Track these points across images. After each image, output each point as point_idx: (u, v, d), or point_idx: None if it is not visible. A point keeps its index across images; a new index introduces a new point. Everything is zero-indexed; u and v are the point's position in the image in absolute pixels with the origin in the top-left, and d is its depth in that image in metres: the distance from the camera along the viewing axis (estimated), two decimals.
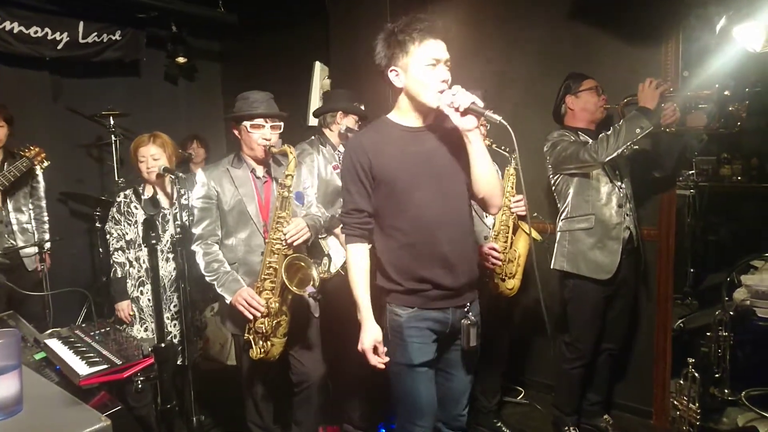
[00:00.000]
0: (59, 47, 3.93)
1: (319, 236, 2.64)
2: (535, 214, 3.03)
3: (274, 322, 2.25)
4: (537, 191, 3.18)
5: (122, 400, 2.20)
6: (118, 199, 2.80)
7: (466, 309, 1.89)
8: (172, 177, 2.39)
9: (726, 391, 3.08)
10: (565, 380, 2.82)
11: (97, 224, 3.88)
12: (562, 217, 2.75)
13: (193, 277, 2.30)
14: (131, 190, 2.81)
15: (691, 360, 2.60)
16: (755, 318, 3.28)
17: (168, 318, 2.69)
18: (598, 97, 2.70)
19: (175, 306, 2.71)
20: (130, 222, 2.74)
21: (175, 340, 2.67)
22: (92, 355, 1.76)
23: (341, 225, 1.94)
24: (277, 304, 2.25)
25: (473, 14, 3.37)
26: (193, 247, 2.35)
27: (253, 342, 2.28)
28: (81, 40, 4.02)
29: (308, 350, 2.52)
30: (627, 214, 2.65)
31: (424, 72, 1.73)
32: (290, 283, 2.19)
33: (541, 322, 1.86)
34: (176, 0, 4.22)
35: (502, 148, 2.67)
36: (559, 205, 2.78)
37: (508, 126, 1.64)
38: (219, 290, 2.31)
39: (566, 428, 2.83)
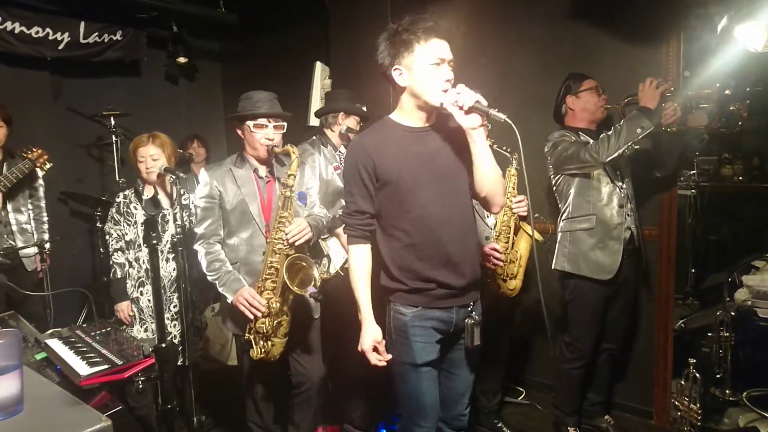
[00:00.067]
0: (60, 47, 3.94)
1: (321, 237, 2.64)
2: (537, 214, 3.03)
3: (274, 322, 2.25)
4: (538, 192, 3.18)
5: (123, 401, 2.20)
6: (118, 200, 2.79)
7: (469, 308, 1.90)
8: (173, 177, 2.39)
9: (727, 391, 3.08)
10: (566, 380, 2.81)
11: (98, 224, 3.88)
12: (563, 218, 2.75)
13: (192, 277, 2.30)
14: (131, 190, 2.81)
15: (692, 360, 2.60)
16: (756, 318, 3.27)
17: (168, 318, 2.69)
18: (599, 97, 2.70)
19: (175, 306, 2.71)
20: (129, 222, 2.74)
21: (175, 341, 2.67)
22: (93, 355, 1.76)
23: (343, 225, 1.94)
24: (278, 304, 2.24)
25: (473, 14, 3.37)
26: (195, 247, 2.36)
27: (253, 342, 2.28)
28: (82, 40, 4.03)
29: (308, 352, 2.52)
30: (628, 214, 2.65)
31: (428, 71, 1.73)
32: (291, 283, 2.19)
33: (542, 322, 1.86)
34: (176, 0, 4.22)
35: (504, 148, 2.66)
36: (560, 206, 2.78)
37: (512, 124, 1.63)
38: (220, 290, 2.31)
39: (567, 428, 2.83)
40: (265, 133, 2.34)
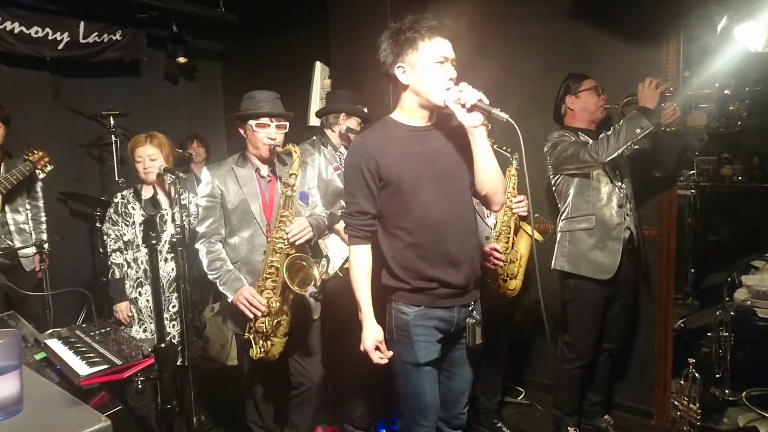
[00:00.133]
0: (60, 47, 3.93)
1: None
2: (537, 214, 3.03)
3: (274, 321, 2.25)
4: (538, 192, 3.18)
5: (122, 401, 2.20)
6: (115, 200, 2.79)
7: (470, 308, 1.90)
8: (172, 177, 2.39)
9: (727, 391, 3.08)
10: (566, 380, 2.82)
11: (98, 224, 3.87)
12: (562, 218, 2.75)
13: (192, 277, 2.30)
14: (129, 190, 2.80)
15: (691, 360, 2.60)
16: (756, 318, 3.27)
17: (167, 319, 2.68)
18: (598, 97, 2.70)
19: (173, 306, 2.70)
20: (127, 223, 2.74)
21: (174, 341, 2.67)
22: (92, 355, 1.76)
23: (342, 223, 1.94)
24: (278, 304, 2.24)
25: (473, 14, 3.37)
26: (197, 245, 2.36)
27: (253, 341, 2.28)
28: (81, 40, 4.02)
29: (308, 352, 2.52)
30: (627, 214, 2.65)
31: (432, 69, 1.73)
32: (292, 282, 2.19)
33: (542, 322, 1.86)
34: (176, 0, 4.22)
35: (504, 148, 2.66)
36: (559, 206, 2.78)
37: (514, 123, 1.64)
38: (221, 288, 2.31)
39: (566, 428, 2.83)
40: (267, 133, 2.34)
